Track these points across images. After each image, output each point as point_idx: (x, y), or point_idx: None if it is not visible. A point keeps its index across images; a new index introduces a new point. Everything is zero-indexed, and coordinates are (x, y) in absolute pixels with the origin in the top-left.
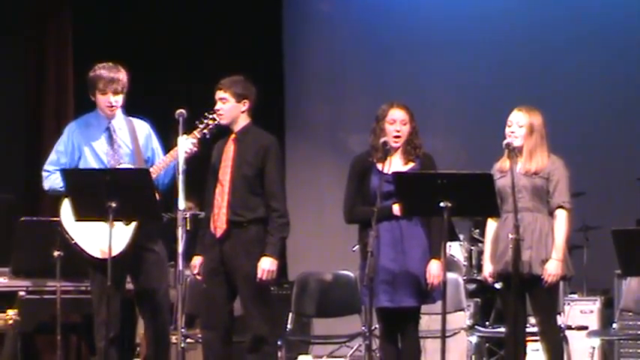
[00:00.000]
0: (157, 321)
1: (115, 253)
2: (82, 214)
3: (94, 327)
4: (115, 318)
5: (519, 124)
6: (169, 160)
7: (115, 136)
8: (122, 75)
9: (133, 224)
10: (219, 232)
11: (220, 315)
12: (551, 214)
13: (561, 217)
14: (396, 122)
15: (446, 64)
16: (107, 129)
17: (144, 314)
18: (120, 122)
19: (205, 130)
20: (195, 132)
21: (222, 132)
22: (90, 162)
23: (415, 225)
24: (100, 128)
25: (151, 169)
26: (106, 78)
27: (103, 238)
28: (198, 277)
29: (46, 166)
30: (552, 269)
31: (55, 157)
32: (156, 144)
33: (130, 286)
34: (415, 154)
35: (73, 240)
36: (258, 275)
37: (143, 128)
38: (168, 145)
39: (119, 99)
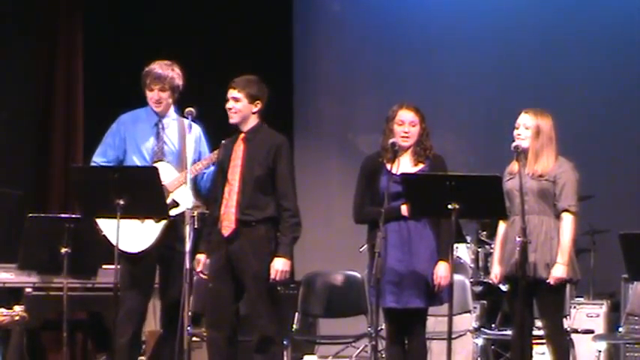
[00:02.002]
0: (177, 320)
1: (141, 248)
2: (89, 212)
3: (105, 324)
4: (138, 314)
5: (526, 125)
6: (207, 163)
7: (163, 134)
8: (173, 73)
9: (162, 222)
10: (227, 231)
11: (226, 314)
12: (557, 217)
13: (567, 221)
14: (405, 123)
15: (456, 65)
16: (156, 125)
17: (165, 313)
18: (170, 121)
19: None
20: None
21: (231, 131)
22: (132, 156)
23: (423, 226)
24: (149, 124)
25: (189, 170)
26: (154, 74)
27: (134, 233)
28: (202, 276)
29: (95, 158)
30: (557, 273)
31: (103, 148)
32: (204, 148)
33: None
34: (425, 155)
35: (102, 232)
36: (272, 276)
37: (194, 130)
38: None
39: (165, 96)
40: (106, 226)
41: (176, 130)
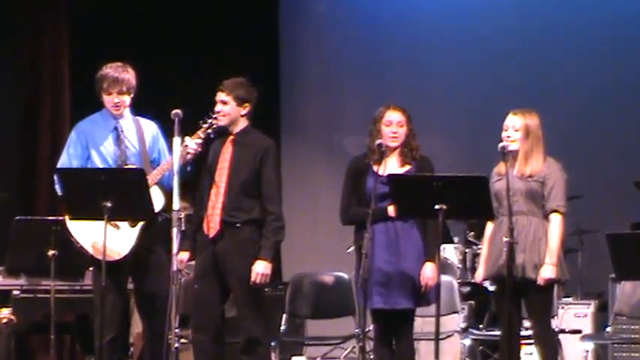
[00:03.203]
0: (157, 322)
1: (121, 256)
2: (76, 214)
3: (92, 327)
4: (116, 319)
5: (515, 127)
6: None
7: (123, 137)
8: (129, 75)
9: (139, 225)
10: (212, 233)
11: (211, 316)
12: (546, 217)
13: (555, 221)
14: (393, 124)
15: (443, 66)
16: (115, 129)
17: (143, 315)
18: (127, 122)
19: (209, 130)
20: (199, 132)
21: (220, 132)
22: (96, 162)
23: (410, 227)
24: (107, 128)
25: (155, 170)
26: (111, 78)
27: (112, 241)
28: (185, 273)
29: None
30: (546, 274)
31: (66, 159)
32: (162, 145)
33: (129, 286)
34: (412, 156)
35: (78, 243)
36: (252, 278)
37: (150, 129)
38: (169, 145)
39: (125, 99)
40: (81, 236)
41: (134, 131)
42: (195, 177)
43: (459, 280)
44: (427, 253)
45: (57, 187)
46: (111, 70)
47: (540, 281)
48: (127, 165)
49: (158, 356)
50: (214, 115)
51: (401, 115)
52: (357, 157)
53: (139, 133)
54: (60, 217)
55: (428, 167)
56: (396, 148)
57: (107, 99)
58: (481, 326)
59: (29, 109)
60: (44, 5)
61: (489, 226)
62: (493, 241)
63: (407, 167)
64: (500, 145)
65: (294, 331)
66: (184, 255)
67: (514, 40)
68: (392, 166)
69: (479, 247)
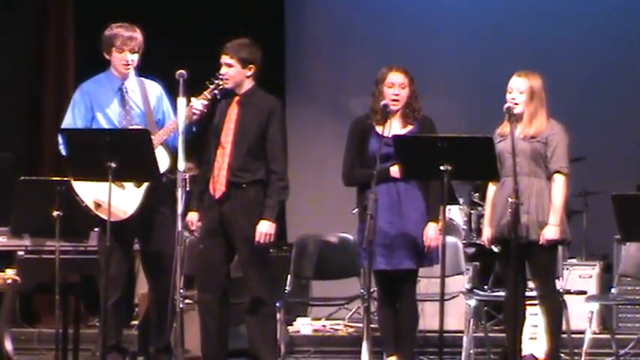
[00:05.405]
0: (162, 282)
1: (126, 215)
2: (80, 174)
3: (97, 288)
4: (122, 279)
5: (519, 90)
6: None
7: (128, 97)
8: (138, 34)
9: (144, 186)
10: (218, 194)
11: (217, 277)
12: (549, 178)
13: (559, 182)
14: (395, 85)
15: (448, 28)
16: (119, 90)
17: (149, 276)
18: (132, 83)
19: (216, 91)
20: (205, 93)
21: (226, 93)
22: (101, 123)
23: (412, 188)
24: (112, 89)
25: (161, 131)
26: (124, 36)
27: (117, 201)
28: (195, 234)
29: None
30: (549, 234)
31: (71, 120)
32: (167, 106)
33: (135, 247)
34: (414, 117)
35: (83, 202)
36: (256, 238)
37: (155, 89)
38: (174, 106)
39: (135, 58)
40: (86, 196)
41: (139, 92)
42: (201, 138)
43: (464, 241)
44: (430, 214)
45: (61, 147)
46: (121, 29)
47: (543, 242)
48: (132, 126)
49: (163, 317)
50: (220, 77)
51: (403, 77)
52: (358, 118)
53: (143, 94)
54: (65, 178)
55: (430, 128)
56: (398, 110)
57: (118, 57)
58: (486, 287)
59: (34, 71)
60: None
61: (491, 188)
62: (495, 202)
63: (409, 128)
64: (506, 106)
65: (299, 292)
66: (194, 215)
67: (518, 2)
68: (394, 127)
69: (484, 208)
